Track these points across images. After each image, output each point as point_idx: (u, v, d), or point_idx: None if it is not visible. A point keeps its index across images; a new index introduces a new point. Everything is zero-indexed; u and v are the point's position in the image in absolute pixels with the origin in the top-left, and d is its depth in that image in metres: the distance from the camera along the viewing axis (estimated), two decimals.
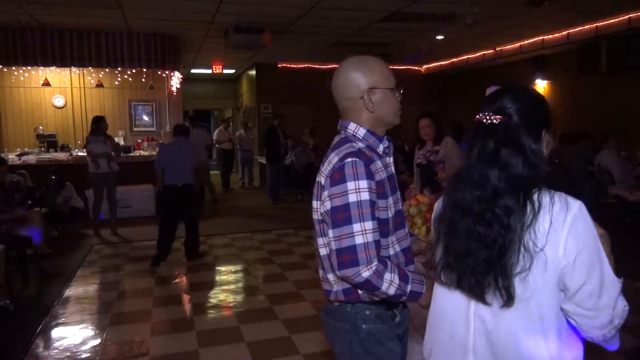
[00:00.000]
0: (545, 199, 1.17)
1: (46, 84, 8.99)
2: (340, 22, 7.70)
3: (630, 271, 2.73)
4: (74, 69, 9.02)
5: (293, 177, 10.16)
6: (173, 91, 9.81)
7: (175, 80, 9.58)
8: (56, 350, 3.49)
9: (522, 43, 9.65)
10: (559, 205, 1.15)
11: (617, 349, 1.26)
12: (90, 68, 8.82)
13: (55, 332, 3.81)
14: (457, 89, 13.03)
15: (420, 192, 4.56)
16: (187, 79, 12.37)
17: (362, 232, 1.39)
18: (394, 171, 1.62)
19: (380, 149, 1.55)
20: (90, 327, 3.87)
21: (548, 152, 1.27)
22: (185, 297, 4.52)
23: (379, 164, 1.51)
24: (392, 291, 1.42)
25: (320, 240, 1.54)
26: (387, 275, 1.41)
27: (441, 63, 12.48)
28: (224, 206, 9.16)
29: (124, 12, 7.01)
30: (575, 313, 1.17)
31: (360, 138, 1.54)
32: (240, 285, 4.93)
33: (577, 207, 1.16)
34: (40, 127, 9.36)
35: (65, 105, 9.61)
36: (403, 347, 1.66)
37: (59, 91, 9.53)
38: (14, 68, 8.66)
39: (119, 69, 8.92)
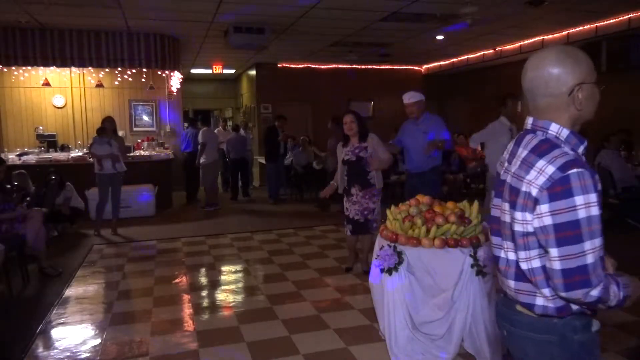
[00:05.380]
0: None
1: (46, 84, 9.00)
2: (340, 22, 7.70)
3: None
4: (74, 69, 9.03)
5: (293, 177, 10.15)
6: (173, 91, 9.82)
7: (175, 80, 9.59)
8: (56, 350, 3.48)
9: (522, 43, 9.65)
10: None
11: None
12: (90, 68, 8.82)
13: (55, 332, 3.80)
14: (457, 89, 13.03)
15: (347, 188, 4.72)
16: (187, 79, 12.37)
17: (592, 250, 1.30)
18: None
19: (581, 150, 1.41)
20: (90, 327, 3.86)
21: None
22: (185, 297, 4.52)
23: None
24: (614, 302, 1.36)
25: (523, 254, 1.42)
26: (613, 288, 1.35)
27: (441, 63, 12.49)
28: (224, 206, 9.16)
29: (124, 12, 7.02)
30: None
31: (563, 140, 1.41)
32: (240, 285, 4.92)
33: None
34: (40, 127, 9.37)
35: (65, 105, 9.62)
36: None
37: (59, 91, 9.54)
38: (14, 68, 8.66)
39: (119, 69, 8.92)
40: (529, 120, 1.49)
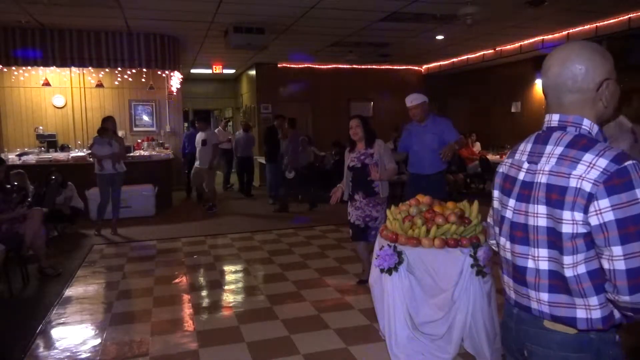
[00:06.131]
0: None
1: (46, 84, 9.00)
2: (340, 22, 7.70)
3: None
4: (74, 69, 9.03)
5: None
6: (173, 91, 9.82)
7: (175, 80, 9.59)
8: (56, 350, 3.49)
9: (522, 43, 9.66)
10: None
11: None
12: (90, 68, 8.82)
13: (55, 332, 3.80)
14: (457, 89, 13.03)
15: (350, 195, 4.52)
16: (187, 79, 12.38)
17: None
18: None
19: None
20: (90, 327, 3.87)
21: None
22: (185, 297, 4.52)
23: None
24: None
25: (570, 259, 1.30)
26: None
27: (441, 63, 12.49)
28: (224, 206, 9.16)
29: (124, 12, 7.02)
30: None
31: (594, 137, 1.36)
32: (240, 285, 4.93)
33: None
34: (40, 127, 9.38)
35: (65, 105, 9.63)
36: None
37: (59, 91, 9.55)
38: (14, 68, 8.66)
39: (119, 69, 8.92)
40: (554, 117, 1.41)
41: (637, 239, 1.20)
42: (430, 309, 3.06)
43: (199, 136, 8.51)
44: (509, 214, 1.46)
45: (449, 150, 4.62)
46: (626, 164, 1.23)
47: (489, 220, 1.67)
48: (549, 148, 1.37)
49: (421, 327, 3.08)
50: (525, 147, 1.46)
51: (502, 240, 1.50)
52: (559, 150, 1.34)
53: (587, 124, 1.36)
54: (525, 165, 1.42)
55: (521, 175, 1.43)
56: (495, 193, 1.55)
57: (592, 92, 1.35)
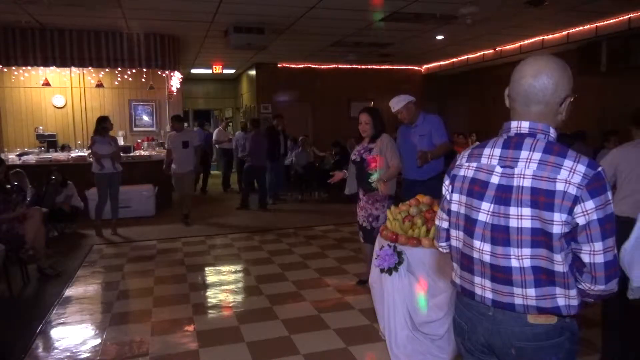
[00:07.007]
0: None
1: (46, 84, 9.00)
2: (340, 22, 7.70)
3: None
4: (74, 69, 9.03)
5: (293, 177, 10.16)
6: (173, 91, 9.82)
7: (175, 80, 9.59)
8: (56, 350, 3.49)
9: (522, 43, 9.66)
10: None
11: None
12: (90, 68, 8.82)
13: (55, 332, 3.80)
14: (457, 89, 13.03)
15: (355, 190, 4.46)
16: (187, 79, 12.38)
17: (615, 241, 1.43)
18: None
19: None
20: (90, 327, 3.87)
21: None
22: (185, 297, 4.52)
23: None
24: None
25: (559, 257, 1.41)
26: None
27: (441, 63, 12.49)
28: (224, 206, 9.16)
29: (124, 12, 7.02)
30: None
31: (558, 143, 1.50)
32: (240, 285, 4.93)
33: None
34: (40, 127, 9.38)
35: (65, 105, 9.63)
36: None
37: (59, 91, 9.55)
38: (14, 68, 8.66)
39: (119, 69, 8.92)
40: (524, 124, 1.50)
41: (611, 235, 1.38)
42: (430, 309, 3.06)
43: (177, 137, 7.46)
44: (482, 216, 1.51)
45: (422, 157, 4.33)
46: (599, 169, 1.39)
47: (439, 223, 1.71)
48: (524, 153, 1.45)
49: (421, 327, 3.08)
50: (492, 151, 1.53)
51: (477, 243, 1.53)
52: (537, 155, 1.43)
53: (552, 132, 1.49)
54: (499, 169, 1.49)
55: (495, 179, 1.49)
56: (455, 196, 1.60)
57: (556, 106, 1.48)
